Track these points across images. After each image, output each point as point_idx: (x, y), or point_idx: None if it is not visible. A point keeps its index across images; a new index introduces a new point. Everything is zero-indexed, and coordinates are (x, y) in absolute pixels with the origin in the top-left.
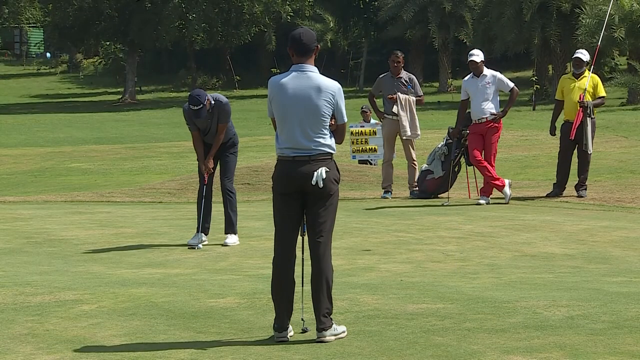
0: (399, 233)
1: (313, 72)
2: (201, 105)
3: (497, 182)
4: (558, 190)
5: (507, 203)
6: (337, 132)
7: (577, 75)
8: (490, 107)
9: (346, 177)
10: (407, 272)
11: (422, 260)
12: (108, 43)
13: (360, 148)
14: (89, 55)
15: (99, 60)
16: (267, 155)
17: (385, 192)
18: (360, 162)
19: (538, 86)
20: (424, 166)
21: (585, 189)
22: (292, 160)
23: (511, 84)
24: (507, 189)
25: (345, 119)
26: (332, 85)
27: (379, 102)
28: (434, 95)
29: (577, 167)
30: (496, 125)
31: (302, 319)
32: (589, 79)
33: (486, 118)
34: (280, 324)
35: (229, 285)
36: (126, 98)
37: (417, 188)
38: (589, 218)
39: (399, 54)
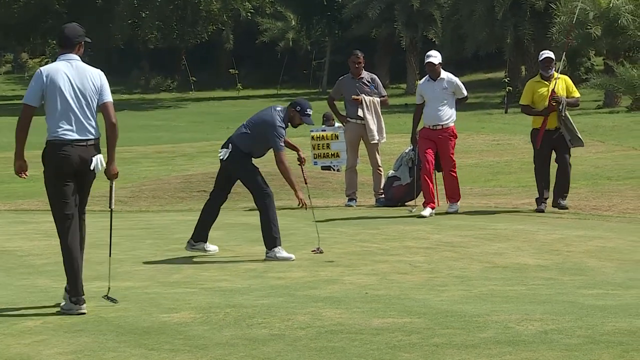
0: (364, 243)
1: (78, 61)
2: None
3: (432, 200)
4: (544, 203)
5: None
6: (110, 112)
7: (547, 78)
8: (446, 114)
9: (308, 184)
10: (372, 285)
11: (388, 271)
12: (56, 42)
13: (322, 153)
14: (35, 54)
15: (46, 60)
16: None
17: (350, 200)
18: (323, 168)
19: (510, 88)
20: (391, 172)
21: (565, 198)
22: (70, 144)
23: (465, 92)
24: (428, 212)
25: (111, 99)
26: (97, 71)
27: (339, 105)
28: (401, 98)
29: (555, 176)
30: (451, 133)
31: (108, 293)
32: (555, 82)
33: (442, 125)
34: (77, 295)
35: (184, 299)
36: None
37: (383, 195)
38: (564, 227)
39: (359, 54)
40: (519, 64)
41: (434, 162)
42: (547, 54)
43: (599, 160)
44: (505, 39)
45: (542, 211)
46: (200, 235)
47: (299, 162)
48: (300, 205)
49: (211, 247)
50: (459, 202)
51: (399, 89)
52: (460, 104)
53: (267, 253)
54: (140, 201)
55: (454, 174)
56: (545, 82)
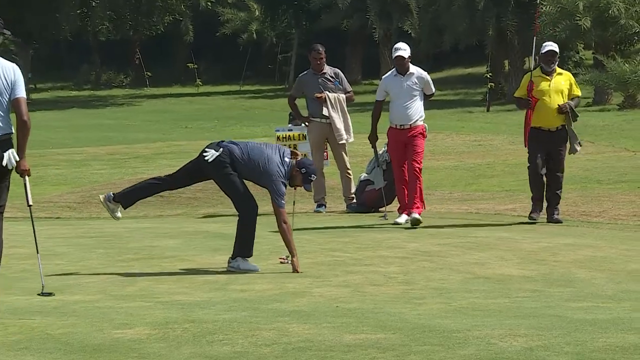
0: (335, 252)
1: None
2: None
3: (419, 206)
4: (538, 211)
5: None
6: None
7: (549, 73)
8: (416, 112)
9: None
10: (343, 297)
11: (361, 283)
12: None
13: None
14: None
15: None
16: (183, 163)
17: (318, 205)
18: None
19: (493, 84)
20: (363, 175)
21: (559, 211)
22: None
23: (434, 89)
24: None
25: (25, 94)
26: (11, 65)
27: (301, 102)
28: (374, 95)
29: (546, 185)
30: (421, 132)
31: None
32: (554, 77)
33: (410, 125)
34: None
35: (138, 314)
36: None
37: (354, 200)
38: (551, 235)
39: (320, 49)
40: (502, 58)
41: (406, 166)
42: (550, 46)
43: (589, 162)
44: (486, 31)
45: (535, 220)
46: (124, 199)
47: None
48: (294, 271)
49: (119, 214)
50: (420, 211)
51: (373, 85)
52: (426, 102)
53: (229, 262)
54: (90, 207)
55: (419, 177)
56: (547, 77)
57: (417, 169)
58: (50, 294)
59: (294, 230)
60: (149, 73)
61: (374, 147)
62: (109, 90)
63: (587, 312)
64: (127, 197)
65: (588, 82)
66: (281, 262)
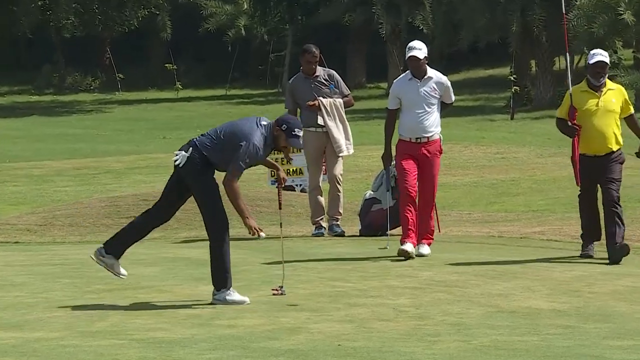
0: (336, 282)
1: None
2: None
3: (412, 234)
4: (591, 246)
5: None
6: None
7: (597, 88)
8: (433, 123)
9: (265, 208)
10: (346, 335)
11: (367, 318)
12: None
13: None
14: None
15: None
16: (161, 179)
17: (317, 228)
18: (285, 188)
19: (517, 88)
20: (369, 193)
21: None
22: None
23: (454, 97)
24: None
25: None
26: None
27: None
28: (381, 100)
29: (605, 221)
30: (438, 148)
31: None
32: (604, 94)
33: (427, 138)
34: None
35: (109, 353)
36: None
37: (338, 222)
38: (585, 262)
39: (315, 50)
40: (528, 58)
41: (417, 186)
42: (600, 55)
43: (630, 178)
44: (510, 27)
45: (591, 257)
46: (115, 248)
47: (277, 185)
48: (253, 234)
49: (122, 270)
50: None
51: (379, 88)
52: (444, 111)
53: (214, 295)
54: (54, 230)
55: (432, 203)
56: (595, 93)
57: (432, 193)
58: None
59: (290, 255)
60: (120, 75)
61: (386, 168)
62: (75, 95)
63: (629, 352)
64: (118, 245)
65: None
66: (274, 294)
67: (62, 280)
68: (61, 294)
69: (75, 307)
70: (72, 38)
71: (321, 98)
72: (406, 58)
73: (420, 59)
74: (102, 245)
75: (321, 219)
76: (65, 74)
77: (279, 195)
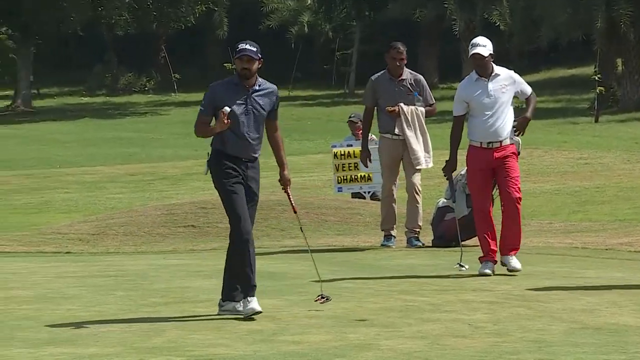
0: (407, 296)
1: None
2: None
3: (493, 252)
4: None
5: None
6: None
7: None
8: (506, 126)
9: (330, 217)
10: (418, 352)
11: (440, 334)
12: None
13: (348, 176)
14: None
15: None
16: None
17: (387, 238)
18: (354, 195)
19: (602, 88)
20: (442, 201)
21: None
22: None
23: (530, 89)
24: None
25: None
26: None
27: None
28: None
29: None
30: (513, 150)
31: None
32: None
33: (500, 142)
34: None
35: None
36: (18, 105)
37: (416, 234)
38: None
39: (401, 47)
40: (614, 56)
41: (492, 198)
42: None
43: None
44: (594, 23)
45: None
46: (229, 290)
47: (282, 186)
48: (223, 118)
49: (240, 306)
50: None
51: (452, 89)
52: (534, 103)
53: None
54: (107, 239)
55: (518, 210)
56: None
57: (516, 199)
58: None
59: (357, 266)
60: (177, 75)
61: (449, 177)
62: (129, 97)
63: None
64: (232, 286)
65: None
66: (318, 302)
67: (116, 293)
68: (115, 308)
69: (131, 321)
70: (125, 36)
71: (402, 104)
72: (469, 56)
73: (485, 57)
74: (220, 300)
75: (392, 228)
76: (118, 74)
77: (289, 198)
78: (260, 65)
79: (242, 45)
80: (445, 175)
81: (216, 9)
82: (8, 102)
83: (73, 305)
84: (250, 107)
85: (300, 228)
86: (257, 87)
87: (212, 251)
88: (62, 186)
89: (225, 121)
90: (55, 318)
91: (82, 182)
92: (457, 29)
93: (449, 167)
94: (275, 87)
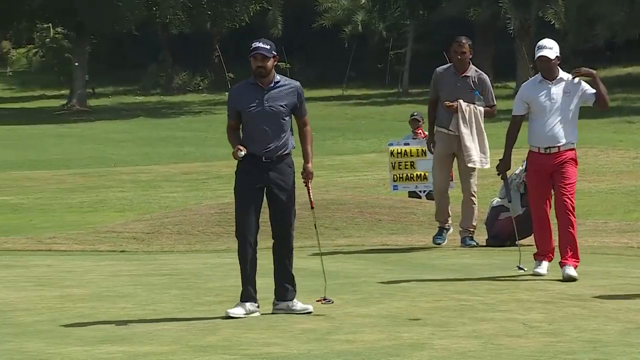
0: (461, 295)
1: None
2: None
3: (549, 251)
4: None
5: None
6: None
7: None
8: (567, 131)
9: (384, 216)
10: (472, 351)
11: (494, 333)
12: (47, 26)
13: (404, 175)
14: (20, 43)
15: (35, 51)
16: None
17: (440, 232)
18: (411, 195)
19: None
20: (496, 200)
21: None
22: None
23: (593, 89)
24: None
25: None
26: None
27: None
28: (509, 100)
29: None
30: (572, 157)
31: None
32: None
33: (558, 148)
34: None
35: None
36: (73, 104)
37: (471, 234)
38: None
39: (463, 40)
40: None
41: (550, 202)
42: None
43: None
44: None
45: None
46: (247, 291)
47: (303, 180)
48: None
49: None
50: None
51: (506, 88)
52: (600, 106)
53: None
54: (162, 238)
55: (572, 216)
56: None
57: (569, 206)
58: None
59: (411, 265)
60: (230, 75)
61: (504, 177)
62: (183, 96)
63: None
64: (282, 286)
65: None
66: (321, 303)
67: (170, 292)
68: (170, 306)
69: (185, 320)
70: (179, 35)
71: (461, 101)
72: (535, 58)
73: (552, 59)
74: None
75: (446, 220)
76: (173, 73)
77: (308, 192)
78: (276, 62)
79: (255, 44)
80: (499, 174)
81: (270, 8)
82: (64, 102)
83: (128, 303)
84: (267, 105)
85: (315, 225)
86: (272, 85)
87: (267, 250)
88: (117, 185)
89: (238, 155)
90: (110, 316)
91: (137, 181)
92: (512, 28)
93: (503, 166)
94: (296, 83)
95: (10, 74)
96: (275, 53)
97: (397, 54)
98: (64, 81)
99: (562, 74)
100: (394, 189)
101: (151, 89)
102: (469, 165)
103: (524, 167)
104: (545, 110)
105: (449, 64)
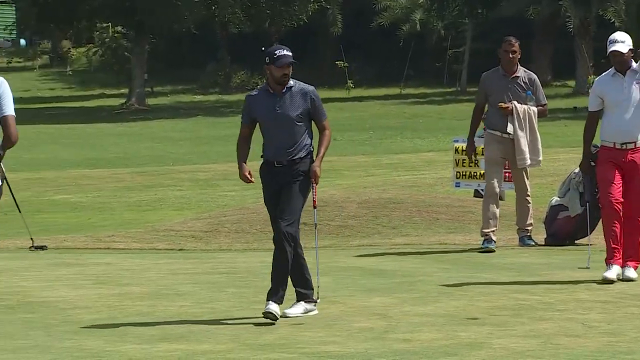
0: (519, 294)
1: None
2: None
3: (618, 254)
4: None
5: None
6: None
7: None
8: None
9: (442, 215)
10: (531, 351)
11: (553, 333)
12: (106, 25)
13: (468, 173)
14: (79, 42)
15: (94, 50)
16: (332, 184)
17: (486, 241)
18: (477, 194)
19: None
20: (555, 200)
21: None
22: None
23: None
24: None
25: (11, 111)
26: None
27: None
28: (568, 99)
29: None
30: None
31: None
32: None
33: (635, 143)
34: None
35: None
36: (132, 103)
37: (529, 233)
38: None
39: (513, 40)
40: None
41: (621, 198)
42: None
43: None
44: None
45: None
46: (277, 292)
47: (311, 179)
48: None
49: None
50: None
51: (566, 87)
52: None
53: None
54: (220, 237)
55: (638, 226)
56: None
57: (637, 209)
58: (43, 247)
59: (468, 264)
60: None
61: (588, 174)
62: (241, 95)
63: None
64: (297, 290)
65: None
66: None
67: (228, 290)
68: (228, 304)
69: (242, 318)
70: (238, 34)
71: (515, 102)
72: (607, 53)
73: (624, 53)
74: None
75: (492, 231)
76: (231, 72)
77: (313, 191)
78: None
79: (280, 52)
80: (584, 173)
81: (329, 7)
82: (123, 101)
83: (186, 301)
84: (279, 111)
85: (315, 225)
86: (285, 90)
87: (324, 249)
88: (175, 184)
89: (246, 179)
90: (168, 314)
91: (195, 179)
92: (571, 27)
93: (586, 164)
94: (310, 87)
95: (70, 73)
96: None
97: (456, 52)
98: (123, 80)
99: (636, 66)
100: (456, 186)
101: (209, 88)
102: (521, 167)
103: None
104: (618, 104)
105: (496, 67)
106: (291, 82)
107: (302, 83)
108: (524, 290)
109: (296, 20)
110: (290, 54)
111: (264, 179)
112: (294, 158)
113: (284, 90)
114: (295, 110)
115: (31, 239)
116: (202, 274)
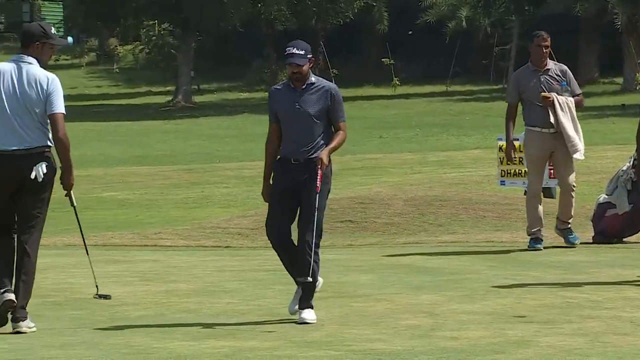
0: (567, 292)
1: (29, 64)
2: None
3: None
4: None
5: None
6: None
7: None
8: None
9: (489, 213)
10: (578, 349)
11: (601, 331)
12: (153, 23)
13: (513, 171)
14: (126, 40)
15: (141, 48)
16: (377, 181)
17: (534, 240)
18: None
19: None
20: (603, 197)
21: None
22: (12, 155)
23: None
24: None
25: (61, 110)
26: (47, 77)
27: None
28: (616, 96)
29: None
30: None
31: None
32: None
33: None
34: None
35: None
36: (179, 100)
37: (569, 226)
38: None
39: (545, 35)
40: None
41: None
42: None
43: None
44: None
45: None
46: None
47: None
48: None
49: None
50: None
51: (614, 84)
52: None
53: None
54: (265, 234)
55: None
56: None
57: None
58: (106, 297)
59: (515, 262)
60: (335, 71)
61: (639, 176)
62: None
63: None
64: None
65: None
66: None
67: (274, 287)
68: (274, 302)
69: (289, 316)
70: (284, 31)
71: (554, 94)
72: None
73: None
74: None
75: (539, 230)
76: (277, 69)
77: (316, 176)
78: (312, 65)
79: (289, 49)
80: (637, 177)
81: (375, 4)
82: (169, 98)
83: (233, 299)
84: (298, 107)
85: (316, 208)
86: (305, 87)
87: (370, 246)
88: (221, 181)
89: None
90: (215, 311)
91: (241, 177)
92: (619, 23)
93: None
94: (331, 85)
95: (117, 70)
96: (310, 56)
97: (502, 50)
98: (170, 77)
99: None
100: (501, 184)
101: (255, 85)
102: (575, 156)
103: (631, 163)
104: None
105: (525, 65)
106: (313, 78)
107: (324, 80)
108: (571, 288)
109: (342, 18)
110: (298, 52)
111: (277, 174)
112: (312, 157)
113: (304, 87)
114: (314, 107)
115: (96, 286)
116: (248, 271)
